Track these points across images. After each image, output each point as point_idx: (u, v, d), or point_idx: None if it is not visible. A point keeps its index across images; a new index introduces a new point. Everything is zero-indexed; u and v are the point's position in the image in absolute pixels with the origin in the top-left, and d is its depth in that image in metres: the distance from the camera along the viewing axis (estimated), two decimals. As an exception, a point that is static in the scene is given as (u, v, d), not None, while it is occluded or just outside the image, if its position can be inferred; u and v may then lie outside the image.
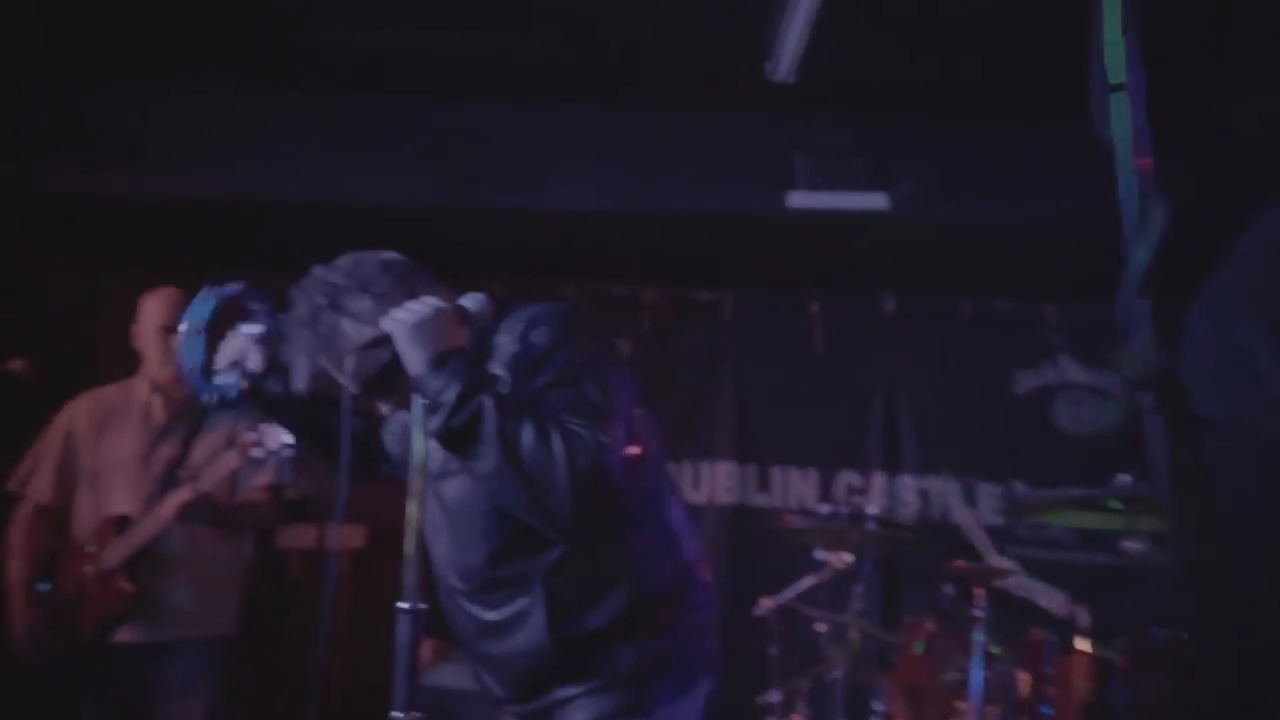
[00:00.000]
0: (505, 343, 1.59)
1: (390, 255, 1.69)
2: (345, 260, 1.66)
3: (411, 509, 1.50)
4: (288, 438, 2.62)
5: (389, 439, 1.93)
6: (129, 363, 3.13)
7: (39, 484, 2.92)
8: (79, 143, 3.30)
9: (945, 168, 3.42)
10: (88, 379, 3.69)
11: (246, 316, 1.82)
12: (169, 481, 2.82)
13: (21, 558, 2.87)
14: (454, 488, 1.65)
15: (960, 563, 2.61)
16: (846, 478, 4.30)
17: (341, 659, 3.75)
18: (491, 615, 1.62)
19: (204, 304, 1.82)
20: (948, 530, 3.90)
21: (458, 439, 1.47)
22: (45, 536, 2.91)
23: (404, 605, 1.45)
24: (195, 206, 3.43)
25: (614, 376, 1.59)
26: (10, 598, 2.83)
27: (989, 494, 4.18)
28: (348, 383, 1.59)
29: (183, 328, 1.83)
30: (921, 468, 4.23)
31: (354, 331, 1.58)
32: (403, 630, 1.45)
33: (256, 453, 2.65)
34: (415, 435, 1.51)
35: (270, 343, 1.78)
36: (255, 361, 1.77)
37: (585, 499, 1.44)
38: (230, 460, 2.69)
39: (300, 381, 1.63)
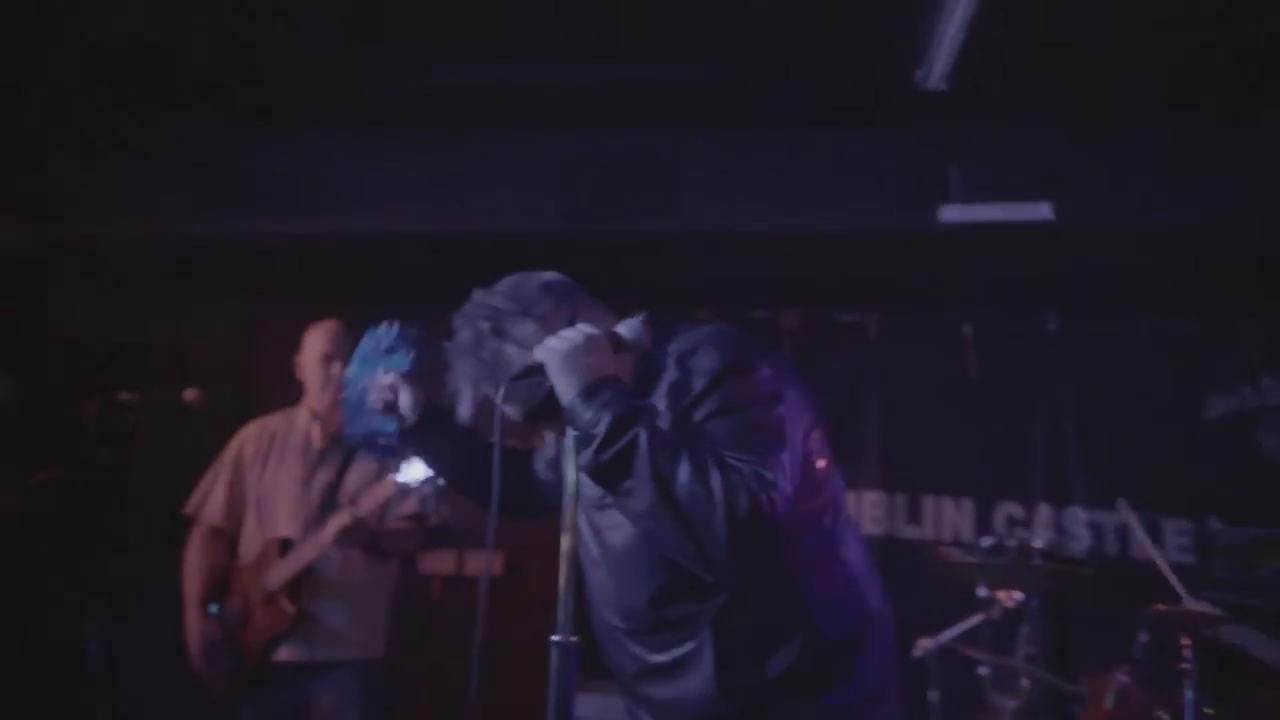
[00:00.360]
0: (667, 369, 1.51)
1: (551, 276, 1.65)
2: (506, 283, 1.62)
3: (565, 541, 1.44)
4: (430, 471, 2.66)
5: (542, 466, 1.90)
6: (287, 392, 3.30)
7: (212, 507, 3.09)
8: (236, 188, 3.52)
9: (1118, 172, 3.12)
10: (247, 408, 3.95)
11: (397, 354, 1.81)
12: (327, 506, 2.92)
13: (196, 576, 3.04)
14: (614, 521, 1.57)
15: (1161, 606, 2.31)
16: (1007, 509, 3.98)
17: (480, 689, 3.76)
18: (656, 657, 1.54)
19: (368, 346, 1.81)
20: (1132, 568, 3.52)
21: (609, 474, 1.39)
22: (218, 556, 3.08)
23: (557, 639, 1.39)
24: (344, 244, 3.58)
25: (789, 407, 1.47)
26: (186, 614, 3.00)
27: (1175, 530, 3.76)
28: (510, 411, 1.55)
29: (346, 372, 1.85)
30: (1093, 499, 3.86)
31: (518, 357, 1.54)
32: (556, 664, 1.39)
33: (411, 480, 2.71)
34: (567, 466, 1.45)
35: (419, 380, 1.77)
36: (406, 403, 1.75)
37: (745, 542, 1.33)
38: (385, 488, 2.76)
39: (465, 410, 1.60)
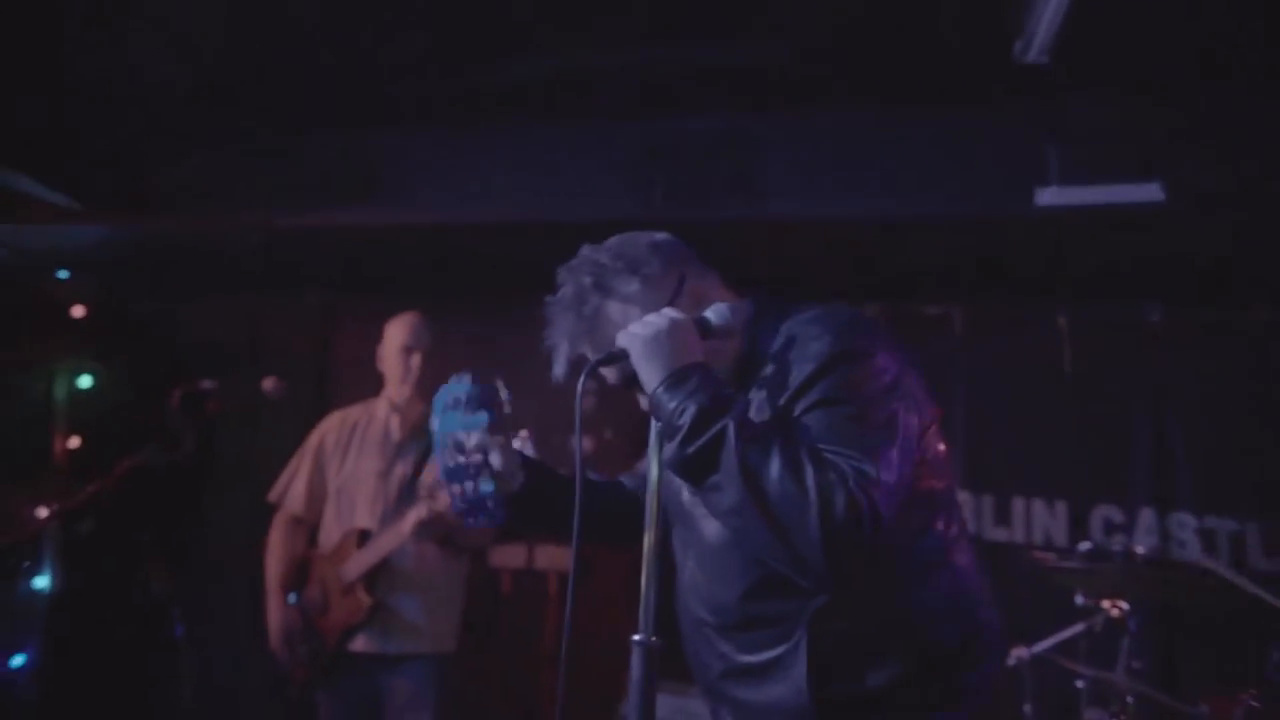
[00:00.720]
0: (772, 356, 1.42)
1: (662, 237, 1.57)
2: (614, 240, 1.55)
3: (647, 538, 1.37)
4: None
5: (629, 479, 1.82)
6: (364, 384, 3.31)
7: (294, 496, 3.13)
8: (315, 182, 3.55)
9: (1229, 151, 2.89)
10: (325, 399, 3.99)
11: (474, 411, 1.61)
12: (404, 499, 2.92)
13: (277, 563, 3.08)
14: (705, 510, 1.48)
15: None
16: (1104, 512, 3.75)
17: (548, 685, 3.73)
18: (745, 658, 1.45)
19: (445, 400, 1.62)
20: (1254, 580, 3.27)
21: (694, 468, 1.31)
22: (299, 544, 3.11)
23: (638, 638, 1.31)
24: (421, 235, 3.57)
25: (906, 399, 1.36)
26: (268, 600, 3.03)
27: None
28: (608, 375, 1.47)
29: (432, 426, 1.66)
30: (1202, 504, 3.60)
31: (620, 315, 1.47)
32: (637, 665, 1.32)
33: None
34: (651, 459, 1.37)
35: (503, 435, 1.63)
36: (499, 462, 1.58)
37: (842, 544, 1.22)
38: None
39: (559, 368, 1.52)
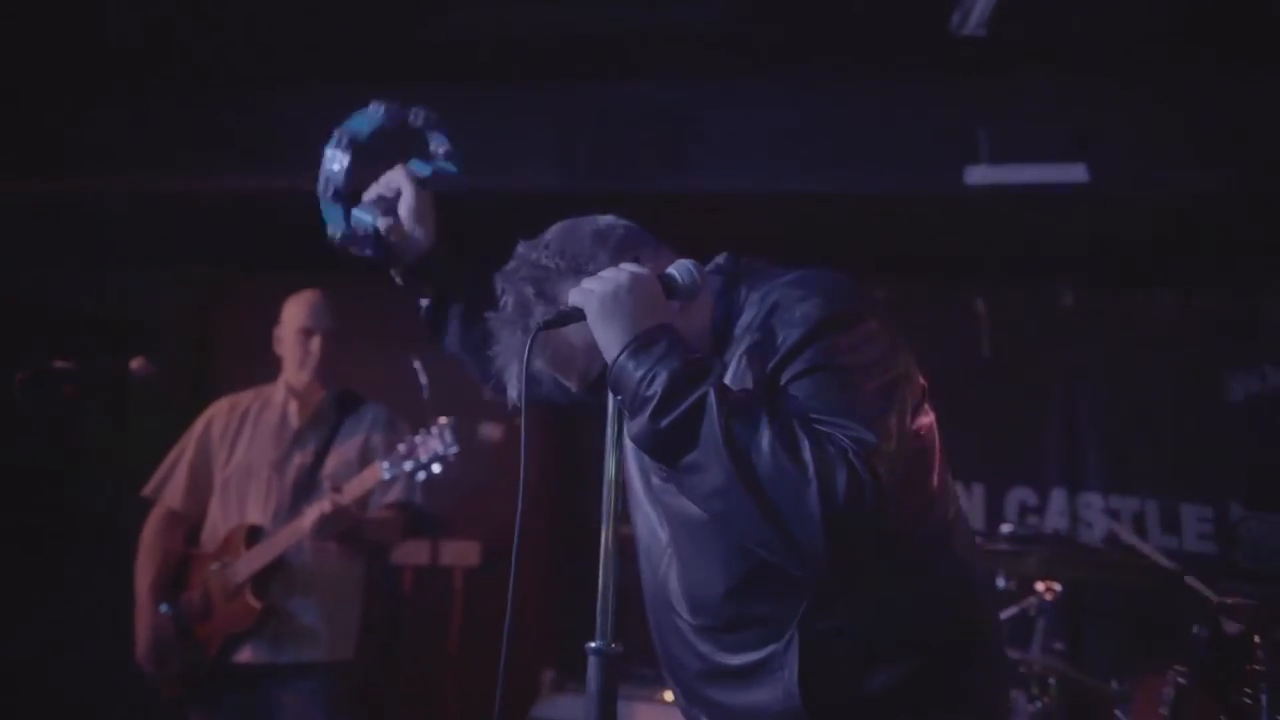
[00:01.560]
0: (750, 321, 1.25)
1: (607, 222, 1.36)
2: (554, 233, 1.34)
3: (605, 532, 1.18)
4: (444, 450, 2.40)
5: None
6: (249, 366, 2.99)
7: (172, 489, 2.80)
8: (201, 142, 3.19)
9: (1155, 134, 2.92)
10: (205, 382, 3.62)
11: (419, 151, 1.51)
12: (302, 492, 2.65)
13: (151, 564, 2.74)
14: (680, 496, 1.30)
15: (1235, 599, 2.11)
16: (1019, 494, 3.80)
17: (454, 687, 3.51)
18: (728, 659, 1.29)
19: (366, 117, 1.48)
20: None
21: (667, 446, 1.13)
22: (176, 543, 2.79)
23: (595, 645, 1.14)
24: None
25: (899, 365, 1.21)
26: (138, 605, 2.69)
27: (1196, 517, 3.60)
28: (543, 365, 1.29)
29: (330, 141, 1.49)
30: (1110, 484, 3.68)
31: (571, 327, 1.26)
32: (594, 676, 1.14)
33: (405, 465, 2.44)
34: (609, 440, 1.18)
35: (432, 185, 1.49)
36: (407, 206, 1.46)
37: (846, 526, 1.07)
38: (372, 474, 2.49)
39: (514, 390, 1.32)
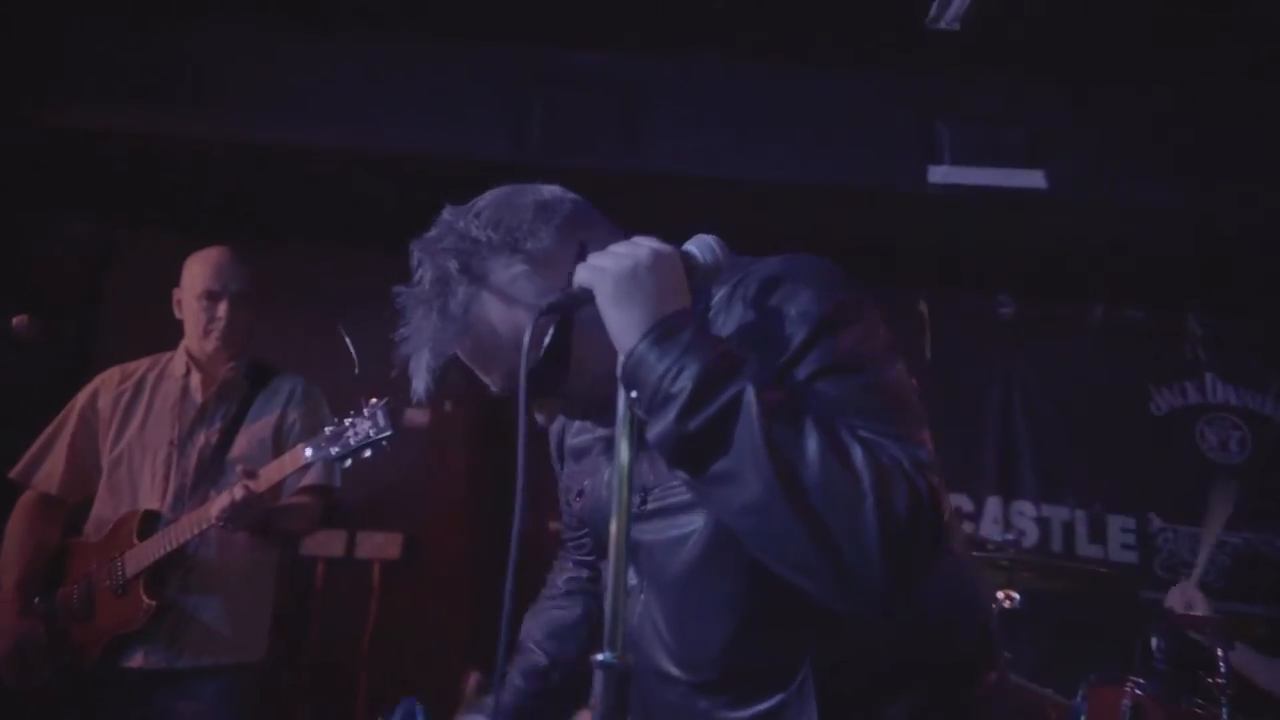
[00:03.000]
0: (730, 312, 1.09)
1: (551, 193, 1.17)
2: (487, 201, 1.15)
3: (614, 527, 1.00)
4: (377, 434, 2.15)
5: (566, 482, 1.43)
6: (141, 331, 2.66)
7: (48, 471, 2.45)
8: (92, 74, 2.82)
9: (1114, 144, 2.93)
10: (89, 351, 3.23)
11: None
12: (207, 475, 2.35)
13: (20, 555, 2.38)
14: (666, 533, 1.14)
15: (1195, 612, 2.10)
16: (956, 501, 3.80)
17: (368, 690, 3.25)
18: (733, 715, 1.12)
19: None
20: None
21: (696, 449, 0.96)
22: (51, 532, 2.44)
23: (604, 657, 0.95)
24: (235, 153, 2.93)
25: (899, 355, 1.07)
26: (0, 602, 2.33)
27: (1120, 527, 3.68)
28: (494, 383, 1.12)
29: None
30: (1041, 493, 3.73)
31: (500, 313, 1.10)
32: (604, 694, 0.96)
33: (331, 450, 2.17)
34: (619, 438, 0.99)
35: None
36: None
37: (905, 549, 0.92)
38: (294, 457, 2.21)
39: (420, 383, 1.12)
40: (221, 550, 2.34)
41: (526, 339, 1.00)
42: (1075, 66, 2.85)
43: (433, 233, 1.13)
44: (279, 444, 2.42)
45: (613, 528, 0.98)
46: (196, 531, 2.24)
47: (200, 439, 2.42)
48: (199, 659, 2.29)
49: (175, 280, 2.54)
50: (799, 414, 0.95)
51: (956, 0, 2.51)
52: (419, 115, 2.79)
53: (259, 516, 2.25)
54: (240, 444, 2.41)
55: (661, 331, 0.97)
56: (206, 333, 2.46)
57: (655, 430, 0.97)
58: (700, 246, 1.07)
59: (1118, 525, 3.67)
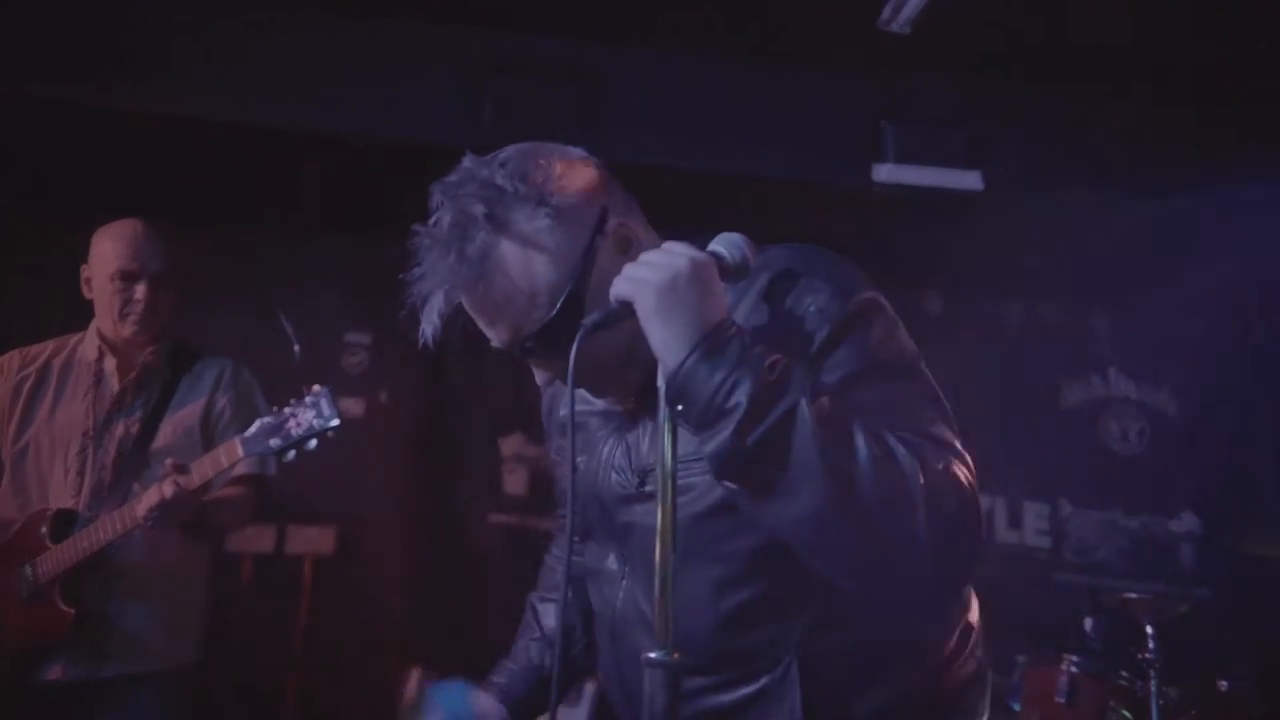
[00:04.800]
0: (743, 307, 1.08)
1: (577, 153, 1.15)
2: (512, 153, 1.11)
3: (661, 518, 0.96)
4: (322, 424, 2.02)
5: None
6: (43, 311, 2.43)
7: (-63, 467, 2.21)
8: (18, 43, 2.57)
9: (1048, 146, 3.07)
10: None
11: None
12: (129, 468, 2.18)
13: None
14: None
15: (1131, 595, 2.22)
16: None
17: (297, 692, 3.11)
18: (720, 698, 1.13)
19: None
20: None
21: (753, 465, 0.94)
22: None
23: (656, 655, 0.92)
24: (165, 127, 2.71)
25: (923, 360, 1.10)
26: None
27: (1034, 514, 3.89)
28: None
29: None
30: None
31: (517, 262, 1.07)
32: (656, 692, 0.93)
33: (272, 442, 2.03)
34: (664, 443, 0.96)
35: None
36: None
37: (956, 553, 0.94)
38: (231, 450, 2.05)
39: (429, 325, 1.08)
40: (148, 550, 2.17)
41: (572, 357, 0.96)
42: (1014, 71, 2.97)
43: (454, 177, 1.10)
44: (208, 433, 2.27)
45: (660, 521, 0.95)
46: (120, 531, 2.07)
47: (119, 429, 2.23)
48: (126, 667, 2.13)
49: (83, 256, 2.33)
50: (845, 422, 0.95)
51: (909, 4, 2.56)
52: (365, 95, 2.65)
53: (189, 513, 2.10)
54: (164, 434, 2.23)
55: (709, 346, 0.96)
56: (123, 316, 2.26)
57: (711, 446, 0.95)
58: (728, 246, 1.06)
59: (1033, 512, 3.88)
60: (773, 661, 1.10)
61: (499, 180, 1.07)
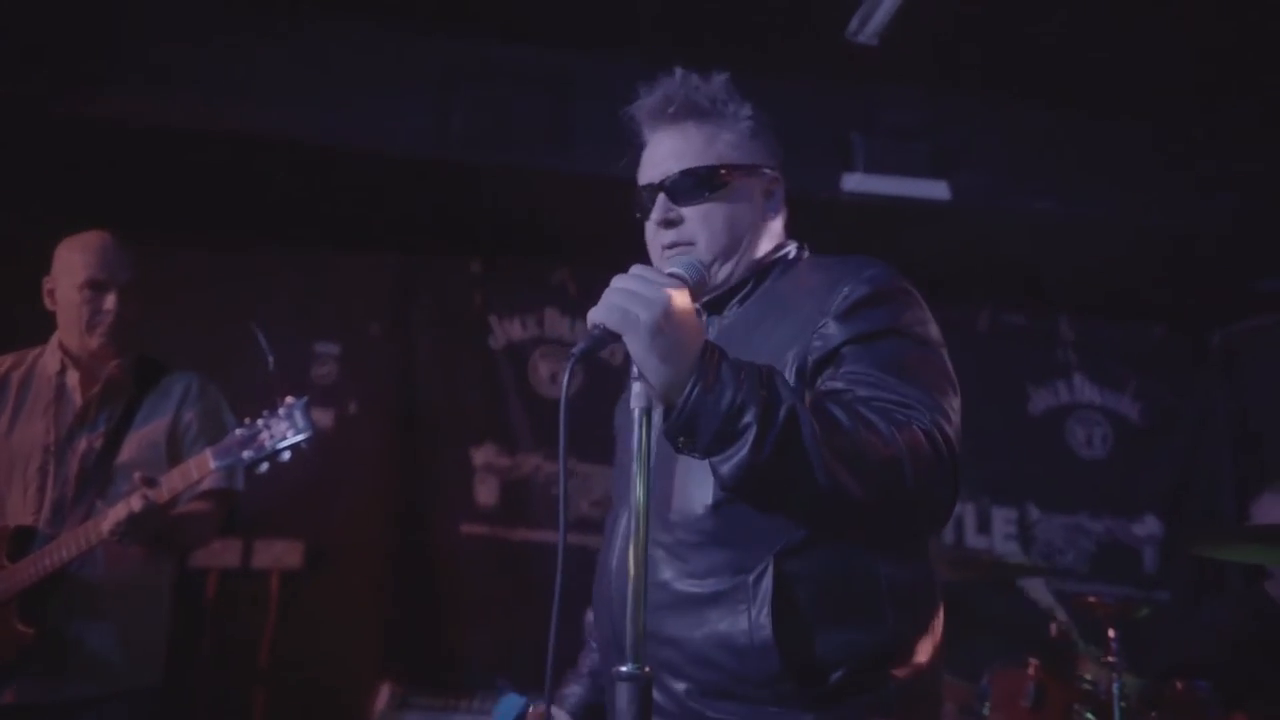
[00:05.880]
0: (783, 288, 1.30)
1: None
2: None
3: (632, 550, 0.98)
4: (296, 436, 1.99)
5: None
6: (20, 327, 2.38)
7: (-107, 483, 2.15)
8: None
9: (1013, 159, 3.12)
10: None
11: None
12: (92, 484, 2.13)
13: None
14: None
15: (1093, 599, 2.26)
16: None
17: (264, 709, 3.06)
18: (692, 586, 1.18)
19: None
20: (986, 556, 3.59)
21: (771, 475, 1.03)
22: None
23: (627, 669, 0.95)
24: (132, 135, 2.66)
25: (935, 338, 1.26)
26: None
27: (1003, 519, 3.93)
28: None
29: None
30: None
31: (713, 132, 1.34)
32: (627, 706, 0.93)
33: (244, 454, 2.00)
34: (635, 461, 1.00)
35: None
36: None
37: (932, 491, 1.08)
38: (201, 464, 2.02)
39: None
40: (111, 567, 2.13)
41: (565, 377, 1.04)
42: (981, 84, 3.02)
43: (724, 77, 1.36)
44: (175, 448, 2.23)
45: (631, 552, 0.97)
46: (84, 548, 2.03)
47: (82, 444, 2.19)
48: (85, 689, 2.08)
49: (44, 266, 2.28)
50: (829, 405, 1.06)
51: (877, 16, 2.59)
52: (333, 105, 2.63)
53: (156, 530, 2.06)
54: (129, 449, 2.19)
55: (705, 375, 1.02)
56: (91, 327, 2.22)
57: (727, 468, 1.02)
58: (687, 268, 1.19)
59: (1001, 517, 3.93)
60: (750, 562, 1.15)
61: (756, 114, 1.37)
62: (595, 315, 1.04)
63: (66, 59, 2.51)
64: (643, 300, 1.02)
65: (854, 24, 2.66)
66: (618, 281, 1.05)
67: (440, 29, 2.68)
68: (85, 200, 2.91)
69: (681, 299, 1.05)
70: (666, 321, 1.01)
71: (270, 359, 2.25)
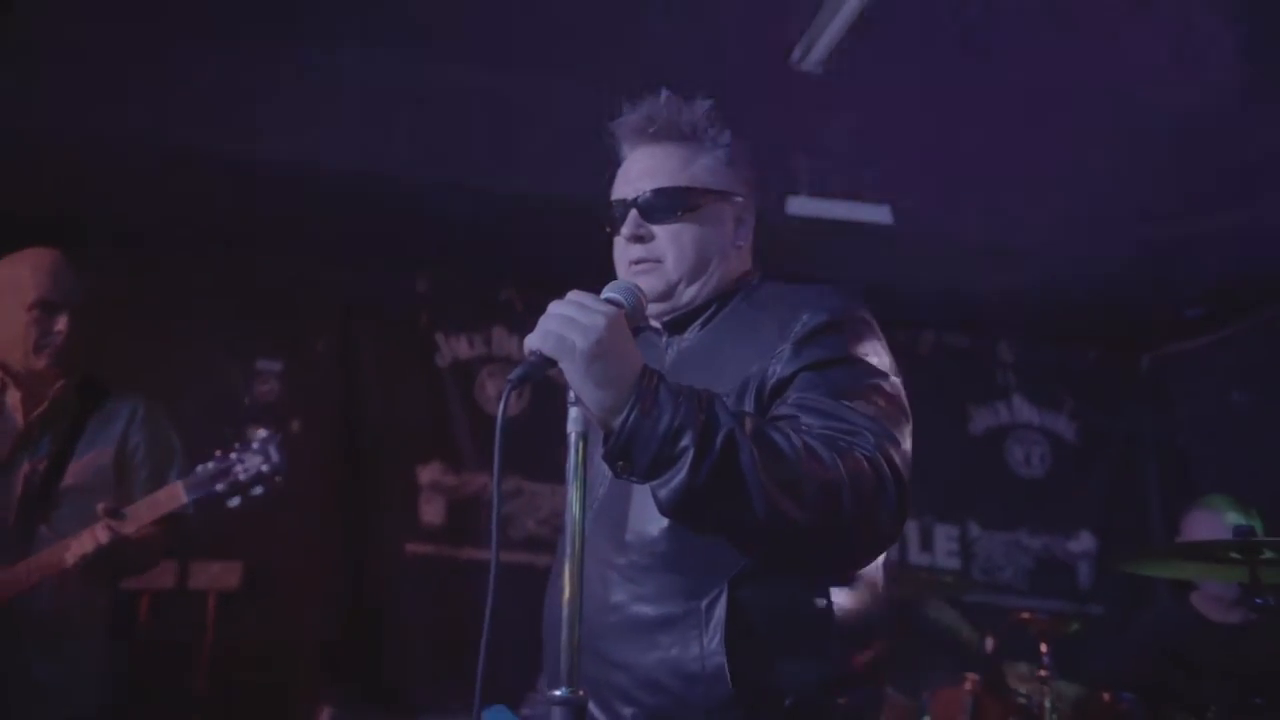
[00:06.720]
0: (743, 313, 1.31)
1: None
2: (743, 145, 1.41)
3: (567, 570, 0.98)
4: (268, 469, 1.96)
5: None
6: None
7: None
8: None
9: (953, 182, 3.21)
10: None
11: None
12: (33, 511, 2.07)
13: None
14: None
15: (1027, 614, 2.31)
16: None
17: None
18: (645, 609, 1.18)
19: None
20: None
21: (708, 498, 1.03)
22: None
23: (560, 693, 0.94)
24: (67, 149, 2.60)
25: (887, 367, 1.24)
26: None
27: (945, 536, 4.01)
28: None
29: None
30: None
31: (690, 155, 1.37)
32: None
33: (216, 487, 1.96)
34: (570, 486, 1.01)
35: None
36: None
37: (873, 517, 1.07)
38: (175, 495, 1.97)
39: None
40: (56, 595, 2.05)
41: (502, 403, 1.03)
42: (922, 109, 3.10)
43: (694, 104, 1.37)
44: (122, 472, 2.18)
45: (566, 573, 0.97)
46: (36, 580, 1.96)
47: (24, 467, 2.12)
48: None
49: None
50: (768, 429, 1.07)
51: (819, 46, 2.65)
52: (278, 121, 2.60)
53: (121, 561, 2.02)
54: (74, 473, 2.14)
55: (642, 399, 1.02)
56: (39, 348, 2.15)
57: (665, 492, 1.03)
58: (623, 293, 1.17)
59: (943, 534, 4.01)
60: (706, 588, 1.15)
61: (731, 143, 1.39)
62: (532, 342, 1.04)
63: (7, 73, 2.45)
64: (579, 327, 1.02)
65: (797, 53, 2.72)
66: (554, 308, 1.05)
67: (386, 48, 2.67)
68: (16, 214, 2.83)
69: (618, 324, 1.05)
70: (601, 347, 1.02)
71: (247, 400, 2.22)
